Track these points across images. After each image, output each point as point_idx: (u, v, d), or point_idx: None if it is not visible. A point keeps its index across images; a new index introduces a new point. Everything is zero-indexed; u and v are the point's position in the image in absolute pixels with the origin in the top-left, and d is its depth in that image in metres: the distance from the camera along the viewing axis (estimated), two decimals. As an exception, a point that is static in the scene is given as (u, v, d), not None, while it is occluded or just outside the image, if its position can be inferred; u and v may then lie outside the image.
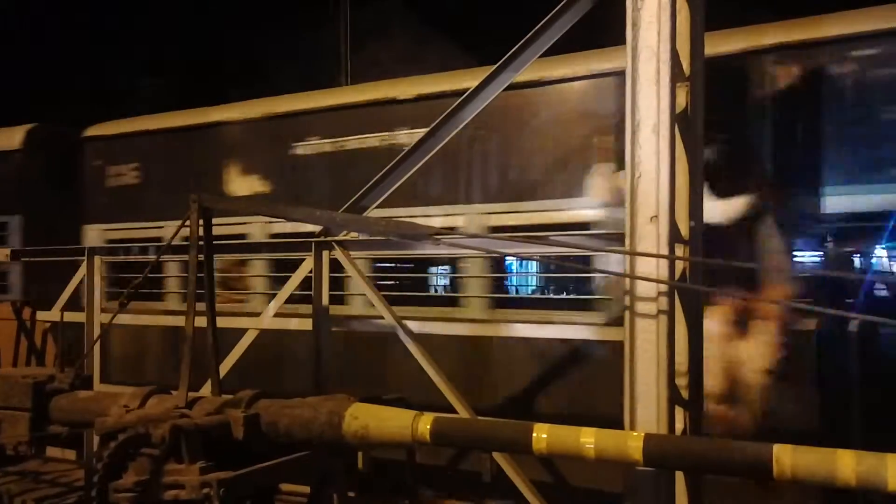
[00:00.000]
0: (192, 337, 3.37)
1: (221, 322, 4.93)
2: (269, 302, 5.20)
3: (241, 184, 6.74)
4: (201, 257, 3.57)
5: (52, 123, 8.10)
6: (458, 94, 4.12)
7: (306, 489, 4.22)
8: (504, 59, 3.81)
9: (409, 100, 5.92)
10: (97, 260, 5.67)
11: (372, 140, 6.02)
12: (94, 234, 7.58)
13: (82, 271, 5.70)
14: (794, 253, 4.74)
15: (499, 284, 5.77)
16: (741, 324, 4.57)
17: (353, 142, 6.10)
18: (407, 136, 5.78)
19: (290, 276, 4.76)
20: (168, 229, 6.85)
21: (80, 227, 7.65)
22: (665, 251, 3.03)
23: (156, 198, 7.18)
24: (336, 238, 4.53)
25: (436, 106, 5.50)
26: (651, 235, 3.04)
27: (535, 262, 6.57)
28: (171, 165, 7.22)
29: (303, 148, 6.37)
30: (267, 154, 6.63)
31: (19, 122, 8.34)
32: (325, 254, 4.57)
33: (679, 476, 3.26)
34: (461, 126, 4.09)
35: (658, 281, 3.01)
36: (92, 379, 4.31)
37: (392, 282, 6.68)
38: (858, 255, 4.68)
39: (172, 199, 6.78)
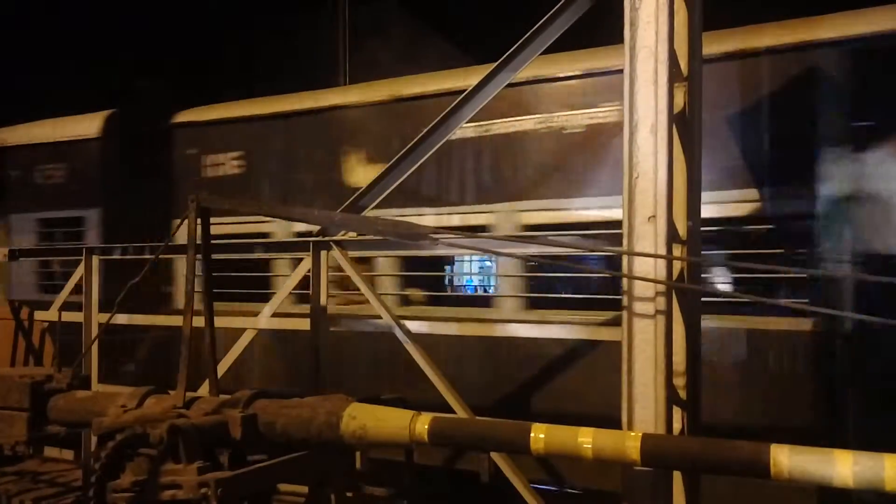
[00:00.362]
0: (190, 337, 3.37)
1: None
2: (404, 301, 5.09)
3: (365, 173, 6.11)
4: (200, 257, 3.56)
5: (133, 108, 7.60)
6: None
7: (304, 489, 4.23)
8: (503, 58, 3.82)
9: (574, 77, 5.26)
10: (95, 259, 5.66)
11: (526, 123, 5.42)
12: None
13: (80, 271, 5.68)
14: None
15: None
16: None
17: (502, 125, 5.49)
18: (569, 118, 5.27)
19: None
20: (276, 224, 6.42)
21: (170, 221, 6.94)
22: (663, 251, 3.04)
23: (263, 190, 6.61)
24: (333, 238, 4.53)
25: (602, 83, 5.15)
26: (649, 235, 3.05)
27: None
28: (281, 154, 6.59)
29: None
30: (395, 141, 5.97)
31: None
32: (324, 254, 4.57)
33: (677, 476, 3.27)
34: (458, 126, 4.09)
35: (656, 281, 3.01)
36: (90, 379, 4.30)
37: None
38: None
39: (283, 190, 6.48)
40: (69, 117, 7.76)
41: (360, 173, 6.15)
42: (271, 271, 6.48)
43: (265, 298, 5.66)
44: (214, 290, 3.57)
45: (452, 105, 4.04)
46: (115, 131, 7.33)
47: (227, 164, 6.79)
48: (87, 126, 7.44)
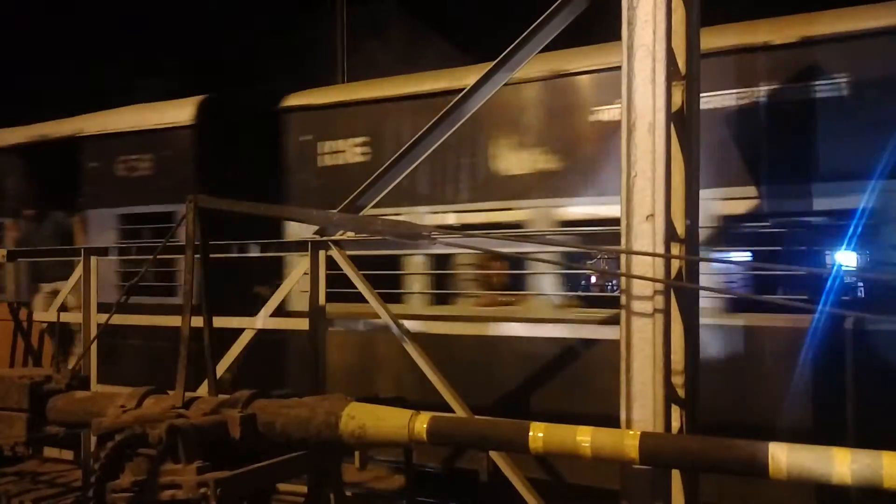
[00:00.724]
0: (188, 337, 3.37)
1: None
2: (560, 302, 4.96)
3: (515, 160, 5.49)
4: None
5: (228, 92, 7.05)
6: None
7: (303, 489, 4.23)
8: (500, 58, 3.82)
9: (781, 46, 4.58)
10: (94, 260, 5.65)
11: (719, 100, 4.82)
12: (303, 225, 6.20)
13: (78, 272, 5.67)
14: None
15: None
16: None
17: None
18: (770, 94, 4.61)
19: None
20: (413, 216, 5.75)
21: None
22: (661, 250, 3.04)
23: (393, 178, 5.97)
24: (332, 238, 4.53)
25: (814, 52, 4.60)
26: (647, 234, 3.05)
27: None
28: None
29: (611, 113, 5.10)
30: (554, 122, 5.32)
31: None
32: (322, 254, 4.57)
33: (675, 475, 3.27)
34: (455, 127, 4.09)
35: (654, 280, 3.01)
36: (89, 379, 4.30)
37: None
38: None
39: (417, 179, 5.74)
40: (156, 103, 7.22)
41: (513, 158, 5.53)
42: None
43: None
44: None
45: (449, 105, 4.04)
46: (212, 118, 6.72)
47: (349, 151, 6.16)
48: (179, 113, 6.84)
